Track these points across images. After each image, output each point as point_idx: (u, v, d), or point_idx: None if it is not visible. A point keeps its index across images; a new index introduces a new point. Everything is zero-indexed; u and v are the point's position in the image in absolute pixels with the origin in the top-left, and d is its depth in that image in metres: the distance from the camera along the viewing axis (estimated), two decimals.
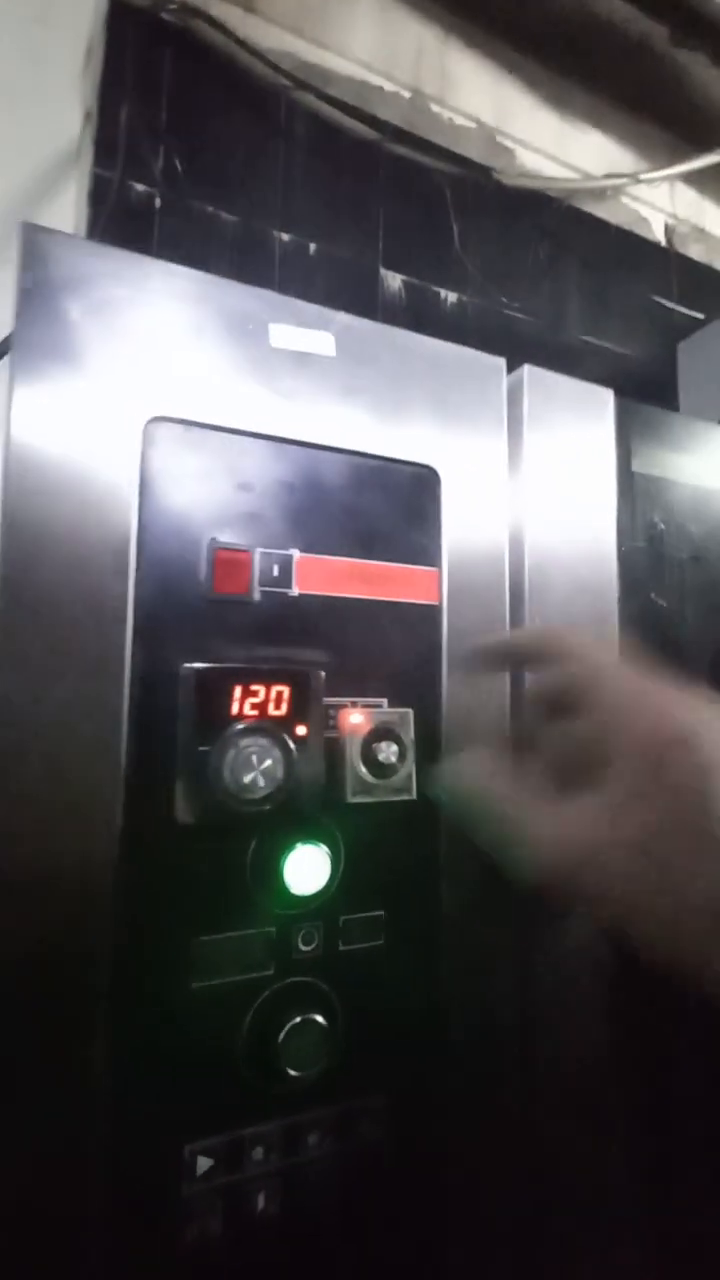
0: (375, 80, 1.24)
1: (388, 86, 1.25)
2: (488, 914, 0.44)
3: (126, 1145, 0.33)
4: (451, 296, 1.27)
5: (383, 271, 1.22)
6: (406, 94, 1.27)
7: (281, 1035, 0.36)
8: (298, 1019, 0.36)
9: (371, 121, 1.19)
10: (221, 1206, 0.35)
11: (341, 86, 1.19)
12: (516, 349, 1.35)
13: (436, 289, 1.26)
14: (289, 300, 0.42)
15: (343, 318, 0.43)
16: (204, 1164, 0.35)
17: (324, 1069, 0.37)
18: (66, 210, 1.01)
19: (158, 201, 1.05)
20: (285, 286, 1.12)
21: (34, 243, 0.35)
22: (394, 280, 1.23)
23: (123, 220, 1.01)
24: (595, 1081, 0.45)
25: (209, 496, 0.38)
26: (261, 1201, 0.36)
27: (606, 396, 0.52)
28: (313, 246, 1.16)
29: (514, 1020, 0.44)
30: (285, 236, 1.14)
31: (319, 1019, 0.37)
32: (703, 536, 0.55)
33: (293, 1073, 0.36)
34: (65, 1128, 0.32)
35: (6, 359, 0.34)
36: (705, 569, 0.54)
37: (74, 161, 1.03)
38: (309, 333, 0.41)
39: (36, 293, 0.34)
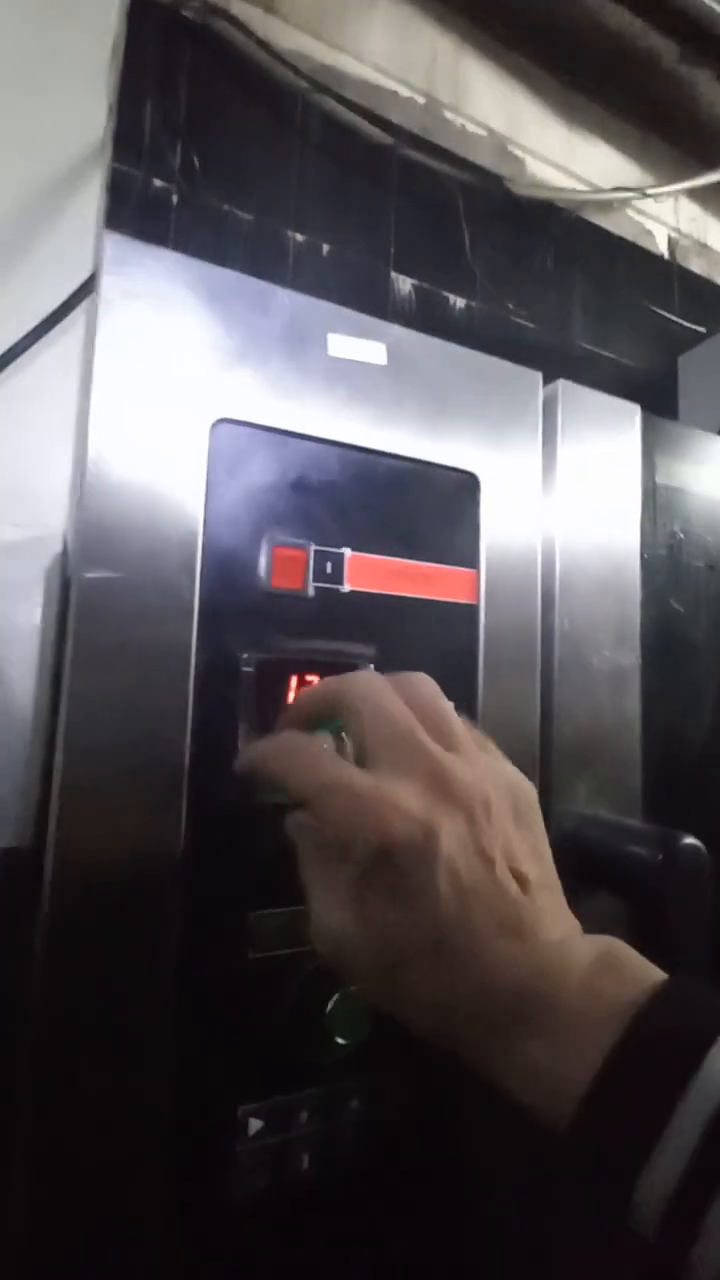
0: (390, 85, 1.26)
1: (402, 92, 1.27)
2: None
3: (187, 1104, 0.35)
4: (460, 302, 1.30)
5: (393, 275, 1.24)
6: (421, 100, 1.30)
7: (330, 1005, 0.38)
8: (346, 989, 0.38)
9: (385, 126, 1.20)
10: (270, 1164, 0.37)
11: (357, 90, 1.20)
12: (523, 356, 1.38)
13: (446, 294, 1.28)
14: (344, 310, 0.44)
15: (395, 330, 0.45)
16: (255, 1125, 0.37)
17: (366, 1038, 0.39)
18: (89, 204, 1.02)
19: (175, 197, 1.06)
20: (298, 286, 1.13)
21: (115, 250, 0.36)
22: (404, 284, 1.25)
23: (141, 215, 1.02)
24: None
25: (269, 496, 0.40)
26: (306, 1161, 0.38)
27: (634, 410, 0.55)
28: (325, 247, 1.18)
29: None
30: (299, 236, 1.16)
31: None
32: (718, 546, 0.58)
33: (340, 1041, 0.38)
34: (133, 1085, 0.34)
35: (87, 356, 0.36)
36: (719, 577, 0.58)
37: (97, 156, 1.04)
38: (363, 342, 0.43)
39: (116, 300, 0.36)
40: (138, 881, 0.35)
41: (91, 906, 0.34)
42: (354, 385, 0.43)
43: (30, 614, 0.43)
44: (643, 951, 0.46)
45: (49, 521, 0.51)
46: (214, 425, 0.38)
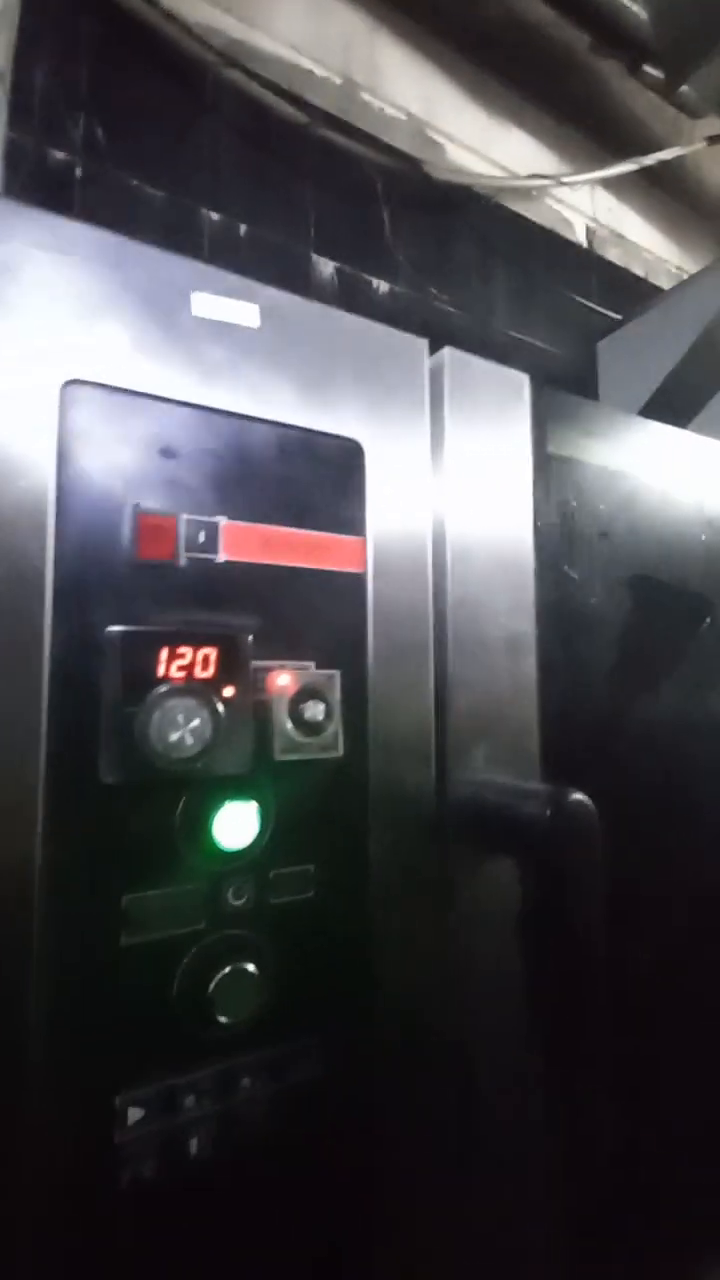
0: (305, 64, 1.24)
1: (318, 71, 1.25)
2: (414, 864, 0.46)
3: (57, 1098, 0.34)
4: (384, 286, 1.29)
5: (314, 257, 1.23)
6: (337, 80, 1.28)
7: (212, 985, 0.37)
8: (228, 969, 0.37)
9: (302, 105, 1.18)
10: (155, 1151, 0.36)
11: (271, 67, 1.18)
12: (446, 341, 1.39)
13: (369, 277, 1.27)
14: (212, 269, 0.42)
15: (268, 291, 0.44)
16: (135, 1113, 0.36)
17: (256, 1016, 0.38)
18: None
19: (78, 170, 1.02)
20: (215, 266, 1.11)
21: None
22: (326, 266, 1.24)
23: (41, 188, 0.98)
24: (514, 1017, 0.48)
25: (131, 462, 0.39)
26: (195, 1146, 0.37)
27: (523, 380, 0.55)
28: (243, 228, 1.15)
29: (439, 961, 0.46)
30: (215, 216, 1.13)
31: (250, 968, 0.38)
32: (610, 514, 0.59)
33: (223, 1020, 0.37)
34: None
35: None
36: (612, 544, 0.59)
37: None
38: (232, 303, 0.42)
39: None
40: None
41: None
42: (224, 347, 0.42)
43: None
44: (537, 907, 0.47)
45: None
46: (64, 386, 0.36)
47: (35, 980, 0.33)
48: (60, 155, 1.02)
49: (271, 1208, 0.40)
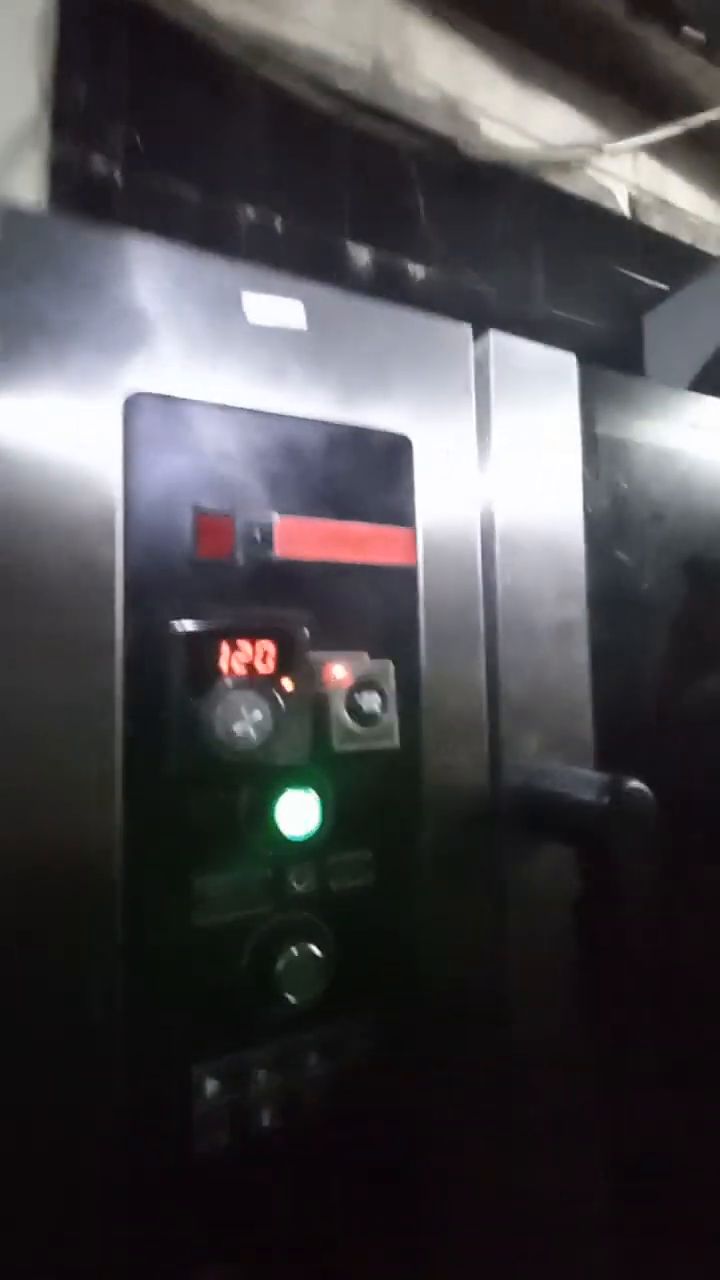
0: (334, 50, 1.23)
1: (347, 57, 1.24)
2: (467, 852, 0.47)
3: (140, 1068, 0.36)
4: (420, 271, 1.28)
5: (350, 246, 1.23)
6: (367, 64, 1.27)
7: (279, 965, 0.39)
8: (294, 950, 0.39)
9: (333, 93, 1.18)
10: (228, 1121, 0.38)
11: (300, 57, 1.17)
12: (485, 323, 1.37)
13: (404, 263, 1.26)
14: (259, 271, 0.43)
15: (311, 288, 0.44)
16: (211, 1085, 0.38)
17: (319, 995, 0.40)
18: (28, 189, 1.00)
19: (119, 178, 1.04)
20: (252, 263, 1.12)
21: (10, 221, 0.35)
22: (362, 255, 1.23)
23: (85, 198, 1.00)
24: (562, 993, 0.48)
25: (191, 466, 0.40)
26: (265, 1117, 0.39)
27: (570, 361, 0.54)
28: (278, 221, 1.16)
29: (490, 947, 0.47)
30: (250, 212, 1.14)
31: (314, 949, 0.40)
32: (663, 496, 0.58)
33: (291, 999, 0.39)
34: (86, 1052, 0.35)
35: None
36: (665, 527, 0.58)
37: (32, 139, 1.01)
38: (281, 304, 0.43)
39: (11, 273, 0.35)
40: (76, 861, 0.35)
41: (36, 883, 0.34)
42: (275, 350, 0.43)
43: None
44: (592, 894, 0.47)
45: None
46: (127, 399, 0.38)
47: (120, 954, 0.36)
48: (102, 165, 1.05)
49: (331, 1177, 0.41)
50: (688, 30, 1.36)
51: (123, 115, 1.04)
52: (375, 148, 1.22)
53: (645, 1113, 0.55)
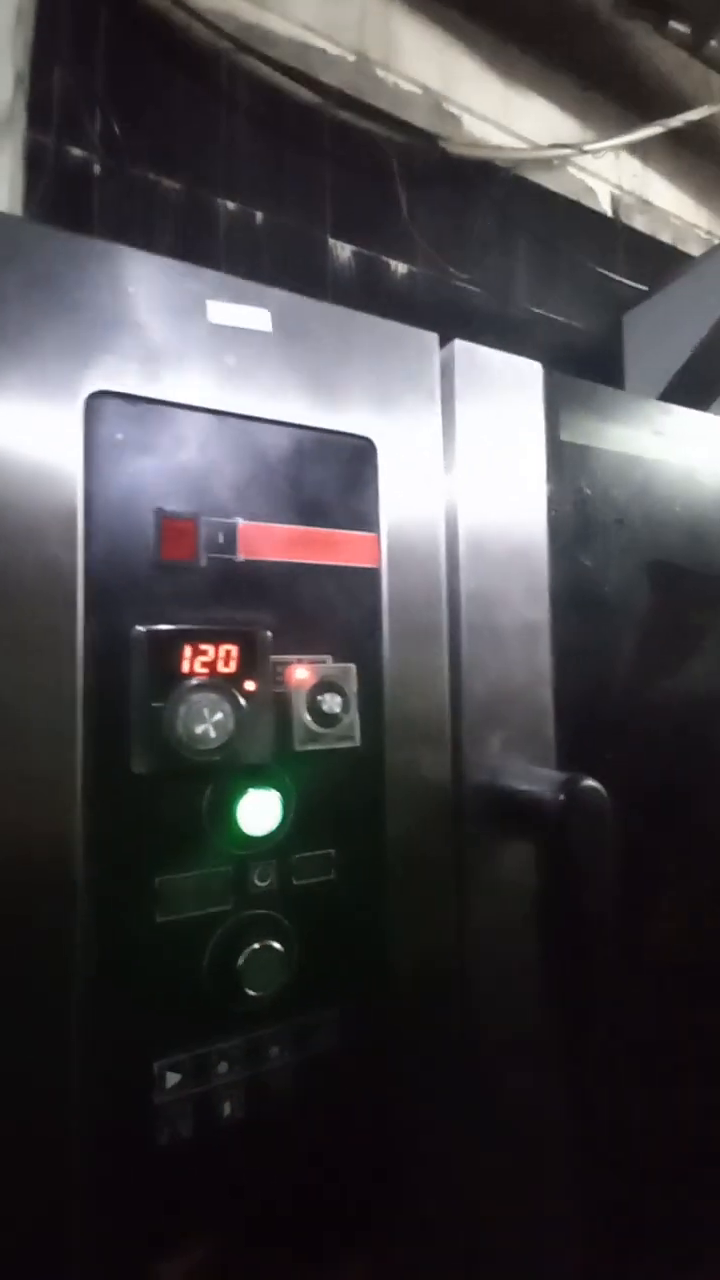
0: (318, 43, 1.22)
1: (331, 50, 1.23)
2: (430, 848, 0.48)
3: (101, 1063, 0.37)
4: (401, 267, 1.28)
5: (331, 241, 1.22)
6: (350, 57, 1.26)
7: (240, 960, 0.39)
8: (256, 945, 0.40)
9: (315, 86, 1.17)
10: (191, 1114, 0.39)
11: (284, 49, 1.17)
12: (466, 321, 1.37)
13: (386, 259, 1.26)
14: (226, 277, 0.43)
15: (278, 294, 0.45)
16: (172, 1078, 0.39)
17: (280, 990, 0.41)
18: (3, 179, 0.99)
19: (97, 168, 1.03)
20: (232, 257, 1.11)
21: None
22: (343, 250, 1.23)
23: (62, 188, 0.99)
24: (525, 991, 0.50)
25: (154, 468, 0.40)
26: (228, 1108, 0.40)
27: (535, 369, 0.55)
28: (259, 215, 1.15)
29: (452, 939, 0.48)
30: (230, 205, 1.13)
31: (275, 945, 0.41)
32: (625, 501, 0.59)
33: (251, 993, 0.40)
34: (44, 1048, 0.36)
35: None
36: (627, 531, 0.59)
37: (7, 128, 1.00)
38: (245, 309, 0.43)
39: None
40: (37, 863, 0.35)
41: None
42: (238, 352, 0.43)
43: None
44: (552, 887, 0.48)
45: None
46: (89, 398, 0.38)
47: (80, 953, 0.36)
48: (79, 153, 1.03)
49: (295, 1166, 0.43)
50: (674, 24, 1.37)
51: (102, 104, 1.03)
52: (358, 142, 1.21)
53: (605, 1097, 0.57)
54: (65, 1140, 0.36)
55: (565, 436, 0.55)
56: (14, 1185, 0.35)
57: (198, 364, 0.42)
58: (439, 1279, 0.47)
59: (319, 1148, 0.43)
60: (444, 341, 0.52)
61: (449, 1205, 0.47)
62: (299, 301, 0.46)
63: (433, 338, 0.51)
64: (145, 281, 0.40)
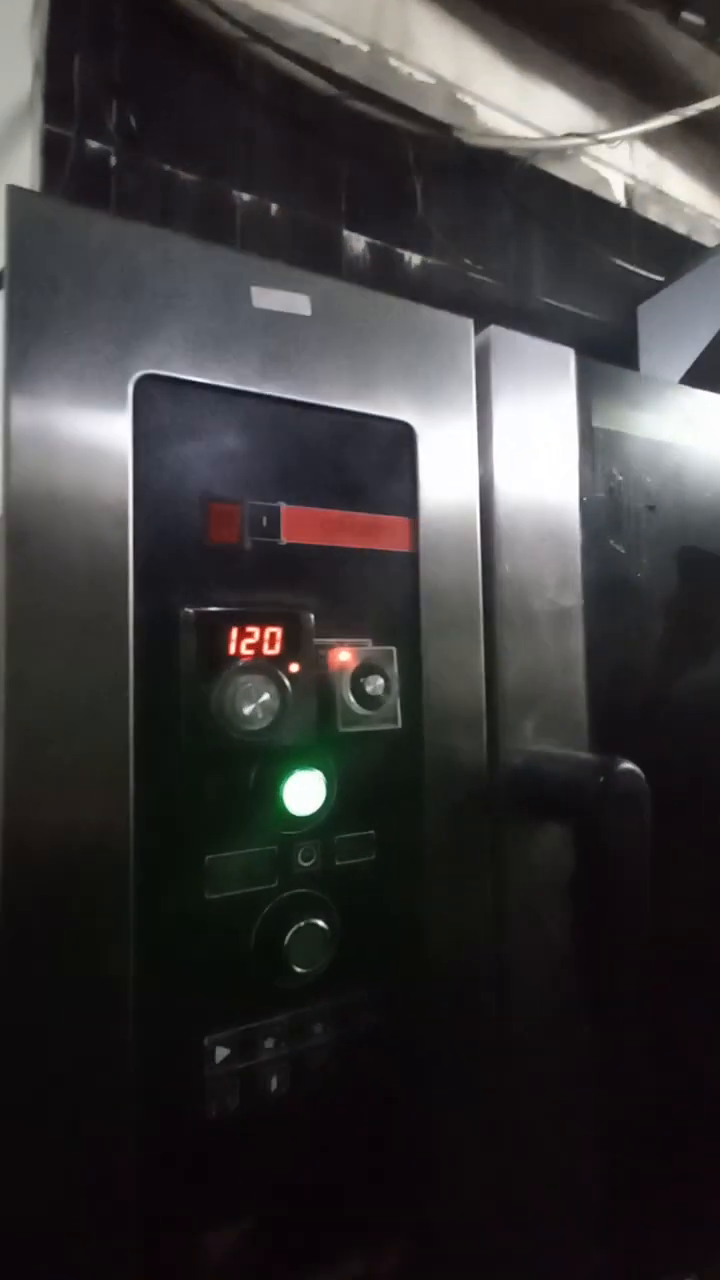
0: (333, 33, 1.22)
1: (346, 40, 1.23)
2: (466, 831, 0.48)
3: (153, 1036, 0.37)
4: (415, 259, 1.28)
5: (346, 233, 1.22)
6: (365, 48, 1.26)
7: (288, 937, 0.40)
8: (301, 923, 0.40)
9: (331, 77, 1.17)
10: (239, 1087, 0.40)
11: (299, 40, 1.16)
12: (481, 312, 1.37)
13: (401, 251, 1.26)
14: (268, 262, 0.44)
15: (318, 279, 0.45)
16: (221, 1052, 0.39)
17: (325, 967, 0.41)
18: (22, 168, 0.99)
19: (113, 159, 1.03)
20: (247, 248, 1.11)
21: (21, 207, 0.36)
22: (357, 242, 1.23)
23: (80, 178, 0.99)
24: (557, 969, 0.50)
25: (200, 451, 0.41)
26: (274, 1083, 0.41)
27: (567, 355, 0.55)
28: (274, 207, 1.15)
29: (488, 921, 0.49)
30: (246, 196, 1.13)
31: (320, 923, 0.41)
32: (657, 487, 0.59)
33: (299, 970, 0.40)
34: (99, 1021, 0.36)
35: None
36: (659, 517, 0.59)
37: (25, 119, 1.00)
38: (287, 294, 0.43)
39: (25, 257, 0.36)
40: (91, 842, 0.36)
41: (49, 859, 0.35)
42: (282, 338, 0.43)
43: None
44: (587, 871, 0.49)
45: None
46: (137, 381, 0.39)
47: (133, 928, 0.37)
48: (96, 144, 1.03)
49: (337, 1142, 0.43)
50: (687, 15, 1.36)
51: (119, 95, 1.03)
52: (373, 133, 1.21)
53: (638, 1083, 0.57)
54: (120, 1110, 0.37)
55: (597, 423, 0.55)
56: (72, 1155, 0.36)
57: (242, 348, 0.42)
58: (474, 1260, 0.48)
59: (359, 1124, 0.44)
60: (479, 327, 0.52)
61: (486, 1187, 0.48)
62: (336, 286, 0.46)
63: (468, 323, 0.52)
64: (192, 266, 0.40)
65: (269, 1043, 0.41)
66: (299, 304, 0.44)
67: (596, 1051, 0.53)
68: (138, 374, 0.39)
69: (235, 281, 0.42)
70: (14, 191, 0.36)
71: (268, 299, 0.43)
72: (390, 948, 0.45)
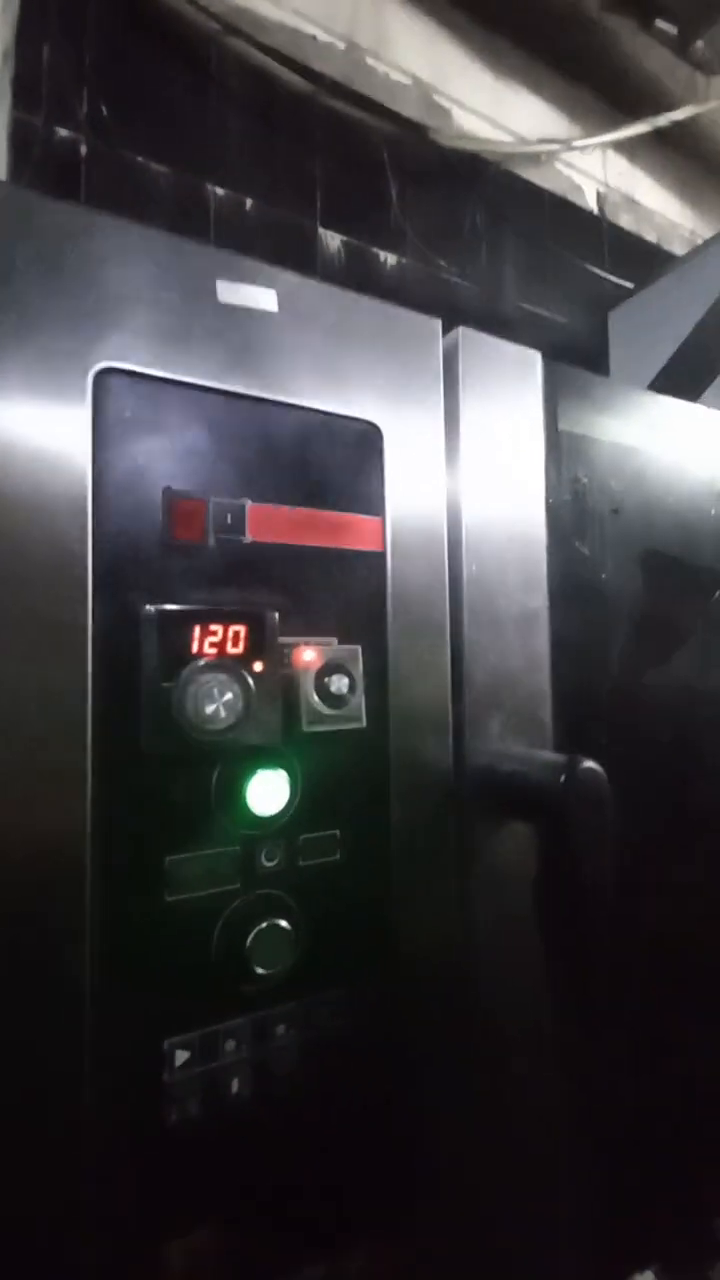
0: (310, 29, 1.21)
1: (323, 36, 1.22)
2: (432, 830, 0.49)
3: (111, 1040, 0.37)
4: (391, 259, 1.28)
5: (321, 231, 1.22)
6: (342, 45, 1.25)
7: (249, 939, 0.40)
8: (264, 924, 0.40)
9: (307, 73, 1.16)
10: (199, 1091, 0.39)
11: (275, 35, 1.16)
12: (454, 315, 1.38)
13: (376, 251, 1.26)
14: (234, 256, 0.43)
15: (285, 275, 0.45)
16: (181, 1056, 0.39)
17: (288, 969, 0.41)
18: None
19: (84, 149, 1.01)
20: (221, 243, 1.10)
21: None
22: (333, 240, 1.23)
23: (48, 170, 0.97)
24: (524, 967, 0.51)
25: (162, 447, 0.40)
26: (235, 1086, 0.40)
27: (535, 358, 0.56)
28: (249, 202, 1.14)
29: (455, 921, 0.49)
30: (220, 191, 1.12)
31: (283, 924, 0.41)
32: (622, 491, 0.60)
33: (260, 971, 0.40)
34: (55, 1025, 0.35)
35: None
36: (623, 520, 0.60)
37: None
38: (254, 289, 0.43)
39: None
40: (48, 844, 0.35)
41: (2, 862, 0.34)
42: (247, 333, 0.43)
43: None
44: (552, 868, 0.49)
45: None
46: (96, 374, 0.38)
47: (91, 931, 0.36)
48: (65, 134, 1.01)
49: (300, 1145, 0.43)
50: (660, 24, 1.38)
51: (90, 84, 1.01)
52: (348, 131, 1.21)
53: (604, 1075, 0.58)
54: (78, 1118, 0.36)
55: (564, 426, 0.56)
56: (28, 1163, 0.35)
57: (206, 343, 0.42)
58: (444, 1262, 0.48)
59: (324, 1127, 0.44)
60: (447, 328, 0.52)
61: (454, 1188, 0.48)
62: (304, 284, 0.46)
63: (436, 324, 0.52)
64: (156, 258, 0.40)
65: (230, 1045, 0.40)
66: (265, 299, 0.43)
67: (564, 1048, 0.53)
68: (97, 366, 0.38)
69: (201, 275, 0.42)
70: None
71: (233, 294, 0.42)
72: (355, 948, 0.45)
